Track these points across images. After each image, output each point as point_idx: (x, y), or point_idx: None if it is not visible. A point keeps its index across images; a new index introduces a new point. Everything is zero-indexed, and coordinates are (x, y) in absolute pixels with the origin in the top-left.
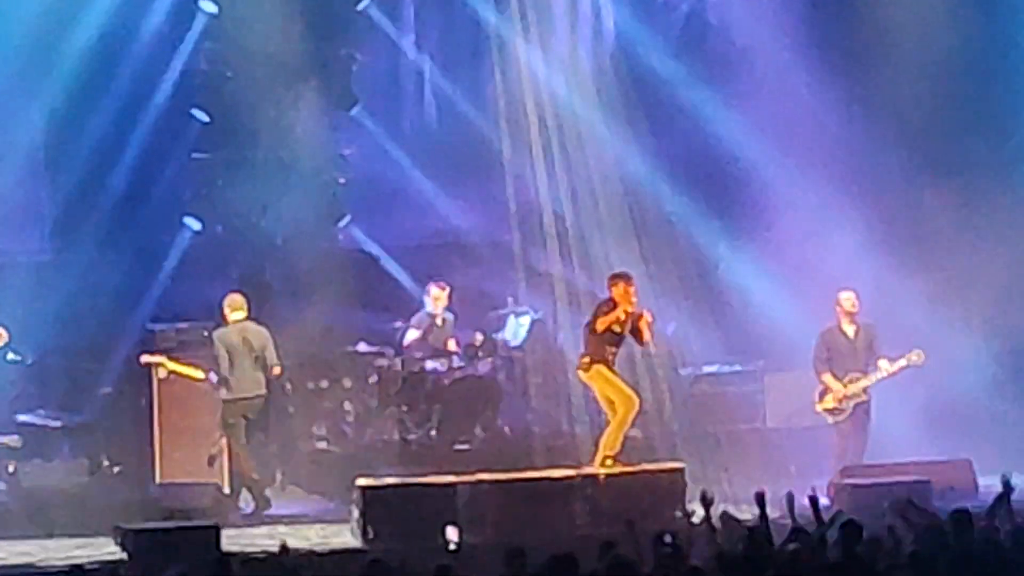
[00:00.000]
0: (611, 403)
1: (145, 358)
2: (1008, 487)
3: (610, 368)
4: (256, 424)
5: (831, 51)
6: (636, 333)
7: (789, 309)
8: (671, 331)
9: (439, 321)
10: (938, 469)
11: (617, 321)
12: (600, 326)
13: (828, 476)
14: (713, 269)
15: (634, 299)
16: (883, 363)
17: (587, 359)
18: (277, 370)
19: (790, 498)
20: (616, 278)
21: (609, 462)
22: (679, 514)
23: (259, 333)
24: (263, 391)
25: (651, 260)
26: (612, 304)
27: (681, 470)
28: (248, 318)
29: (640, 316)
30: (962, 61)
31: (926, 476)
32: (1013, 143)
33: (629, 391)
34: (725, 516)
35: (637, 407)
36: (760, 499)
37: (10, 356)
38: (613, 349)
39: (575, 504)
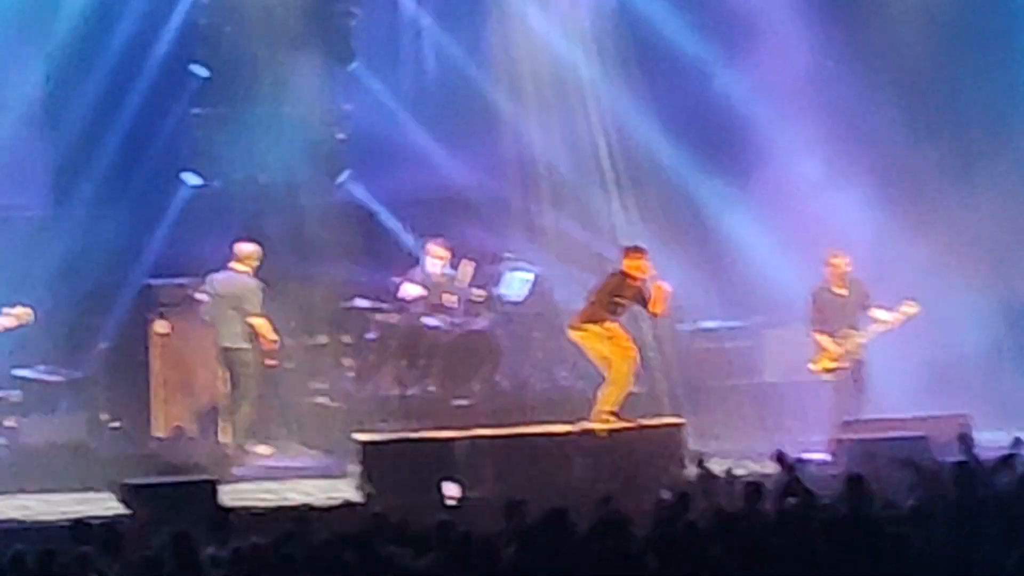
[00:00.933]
0: (605, 359)
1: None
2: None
3: (603, 327)
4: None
5: (832, 6)
6: (646, 302)
7: (788, 265)
8: (670, 287)
9: (437, 278)
10: (936, 424)
11: (626, 292)
12: (628, 298)
13: (827, 432)
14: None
15: (651, 272)
16: (878, 313)
17: (579, 319)
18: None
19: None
20: (633, 252)
21: (608, 417)
22: (676, 470)
23: (241, 285)
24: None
25: (650, 216)
26: (623, 276)
27: (680, 425)
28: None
29: (658, 287)
30: (962, 17)
31: (924, 431)
32: (1013, 100)
33: (626, 345)
34: (725, 474)
35: (636, 361)
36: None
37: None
38: (612, 316)
39: (574, 459)
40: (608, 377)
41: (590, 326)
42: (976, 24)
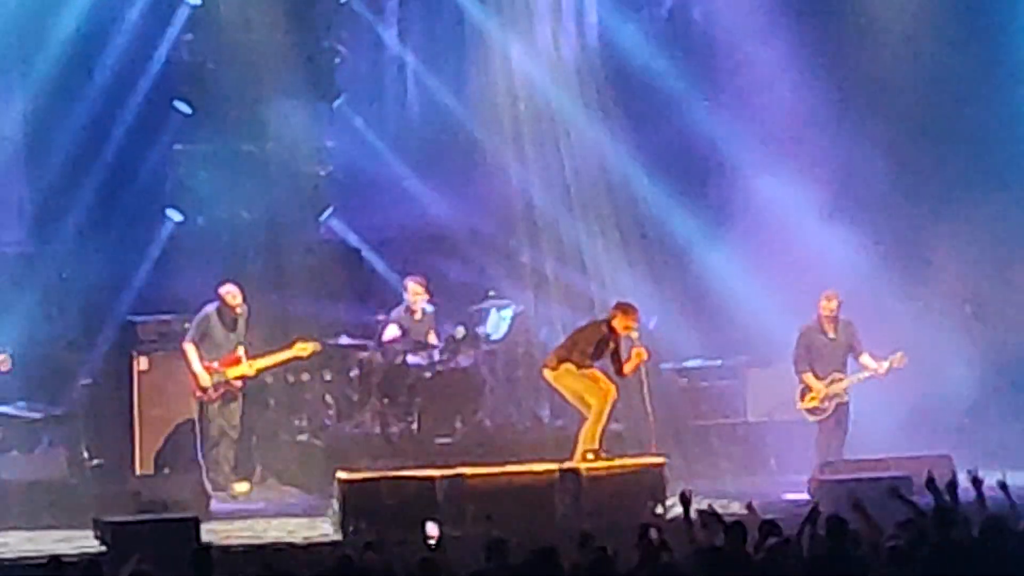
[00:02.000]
0: (582, 399)
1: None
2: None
3: (579, 367)
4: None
5: (815, 46)
6: (621, 362)
7: (770, 305)
8: (653, 325)
9: (418, 315)
10: (918, 465)
11: (606, 347)
12: (627, 371)
13: (808, 471)
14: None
15: (634, 334)
16: (867, 360)
17: (554, 359)
18: None
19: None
20: (627, 309)
21: (591, 456)
22: (659, 509)
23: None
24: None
25: (633, 254)
26: (609, 331)
27: (662, 464)
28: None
29: (638, 352)
30: (954, 55)
31: (906, 471)
32: (1004, 146)
33: (603, 383)
34: (706, 512)
35: (613, 398)
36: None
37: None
38: (587, 363)
39: (556, 498)
40: (589, 416)
41: (566, 366)
42: (968, 64)
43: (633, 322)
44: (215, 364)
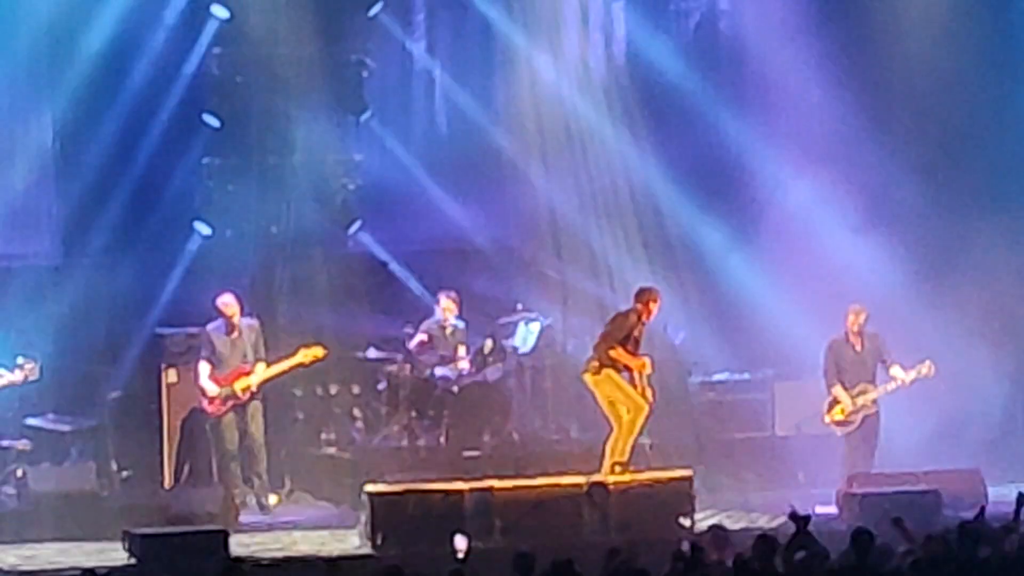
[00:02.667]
0: (614, 409)
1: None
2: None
3: (619, 373)
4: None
5: (843, 59)
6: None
7: (798, 318)
8: (680, 339)
9: (448, 329)
10: (947, 478)
11: (638, 333)
12: (624, 345)
13: (836, 484)
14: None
15: (652, 317)
16: (896, 371)
17: (597, 363)
18: None
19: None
20: (651, 293)
21: (619, 469)
22: (686, 522)
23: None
24: None
25: (661, 268)
26: (637, 316)
27: (689, 478)
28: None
29: (642, 363)
30: (982, 69)
31: (935, 485)
32: None
33: (639, 396)
34: (716, 529)
35: (646, 412)
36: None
37: (19, 360)
38: (624, 353)
39: (583, 511)
40: (617, 427)
41: (609, 372)
42: (1001, 79)
43: (655, 300)
44: (222, 378)
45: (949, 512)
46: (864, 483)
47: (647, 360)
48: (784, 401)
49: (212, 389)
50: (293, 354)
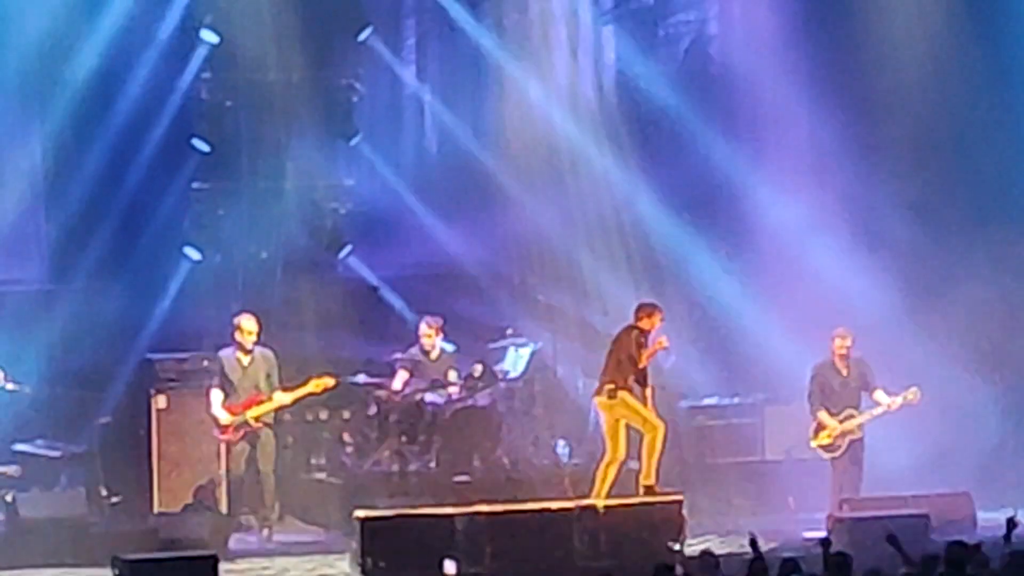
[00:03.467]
0: (615, 436)
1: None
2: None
3: (634, 396)
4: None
5: (834, 83)
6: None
7: (788, 342)
8: (670, 363)
9: (433, 354)
10: (937, 503)
11: (642, 348)
12: (644, 361)
13: (826, 509)
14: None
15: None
16: (880, 395)
17: (612, 386)
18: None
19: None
20: (652, 309)
21: (642, 491)
22: (676, 547)
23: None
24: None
25: (650, 292)
26: (640, 332)
27: (679, 502)
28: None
29: (659, 342)
30: (974, 93)
31: (925, 509)
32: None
33: (654, 418)
34: (706, 555)
35: (663, 432)
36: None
37: (9, 386)
38: (635, 375)
39: (574, 536)
40: (612, 452)
41: (624, 395)
42: (993, 102)
43: (659, 315)
44: (235, 407)
45: (938, 536)
46: (854, 507)
47: (663, 339)
48: (774, 425)
49: (224, 418)
50: (304, 383)
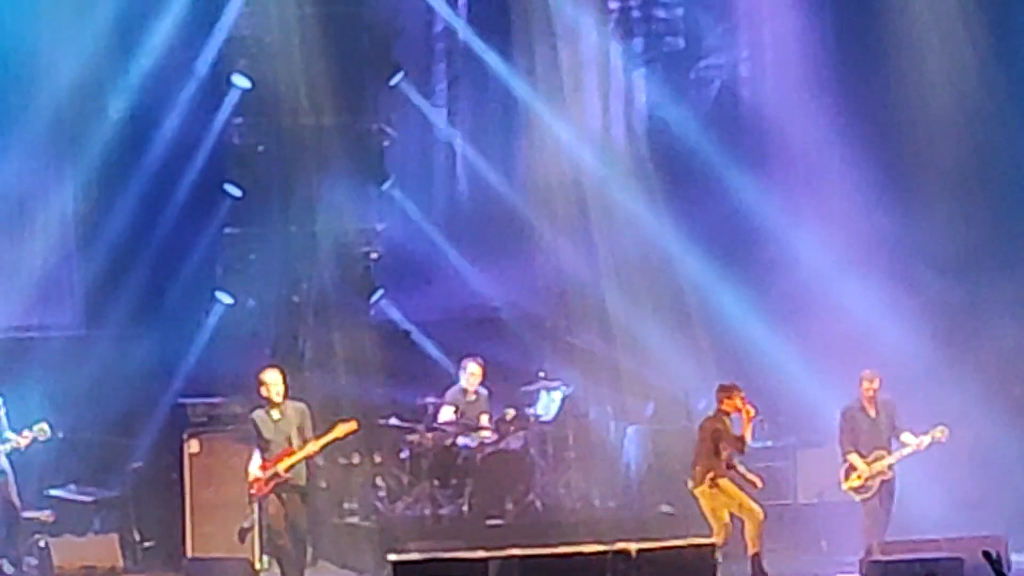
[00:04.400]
0: (720, 520)
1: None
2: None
3: (732, 481)
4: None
5: (864, 124)
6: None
7: (821, 385)
8: (703, 406)
9: (471, 396)
10: (970, 545)
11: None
12: (749, 436)
13: (859, 551)
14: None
15: (746, 410)
16: (907, 437)
17: (712, 475)
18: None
19: None
20: (730, 390)
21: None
22: None
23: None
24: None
25: (682, 335)
26: (722, 416)
27: (713, 545)
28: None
29: (747, 412)
30: (1001, 134)
31: (958, 552)
32: None
33: (752, 503)
34: None
35: (763, 518)
36: None
37: (41, 436)
38: (721, 461)
39: None
40: (723, 533)
41: (724, 482)
42: (1016, 144)
43: (737, 394)
44: (268, 463)
45: None
46: (887, 551)
47: (750, 408)
48: (806, 468)
49: (256, 474)
50: (330, 430)
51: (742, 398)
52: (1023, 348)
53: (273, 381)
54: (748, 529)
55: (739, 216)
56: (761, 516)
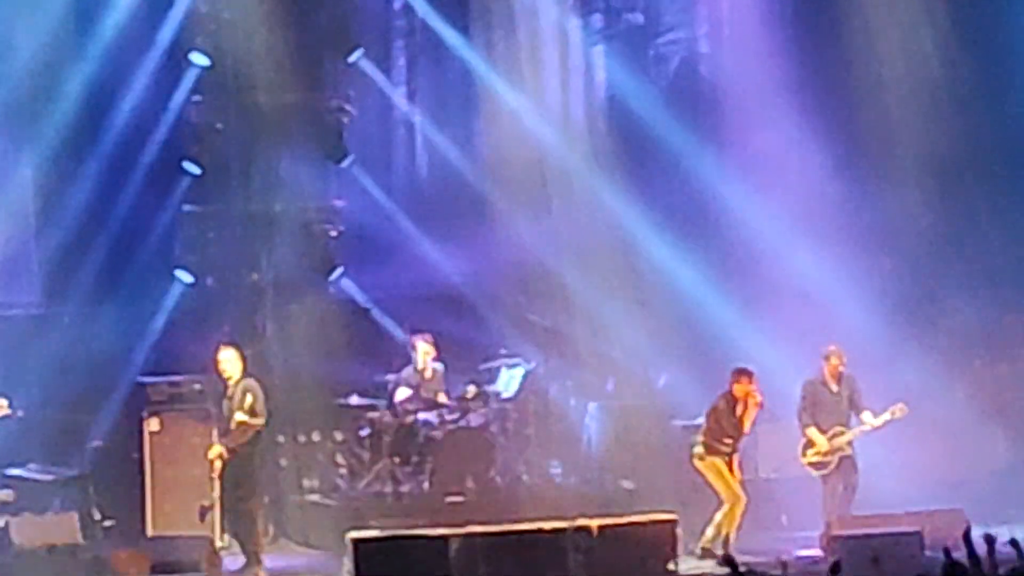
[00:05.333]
0: (729, 487)
1: None
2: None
3: (726, 464)
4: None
5: (822, 100)
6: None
7: (781, 361)
8: (663, 382)
9: (428, 373)
10: (930, 519)
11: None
12: (746, 425)
13: (819, 527)
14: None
15: (756, 397)
16: (867, 416)
17: (702, 448)
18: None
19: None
20: (740, 375)
21: (702, 553)
22: (671, 566)
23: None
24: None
25: (641, 311)
26: (734, 399)
27: (673, 521)
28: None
29: (755, 402)
30: (958, 108)
31: (918, 526)
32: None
33: (738, 488)
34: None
35: (743, 506)
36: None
37: (1, 412)
38: (730, 442)
39: (568, 555)
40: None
41: (714, 460)
42: (973, 116)
43: (747, 380)
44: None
45: (931, 553)
46: (847, 525)
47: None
48: (767, 444)
49: (212, 452)
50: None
51: (749, 387)
52: (984, 319)
53: (223, 359)
54: (723, 512)
55: (699, 192)
56: (742, 504)
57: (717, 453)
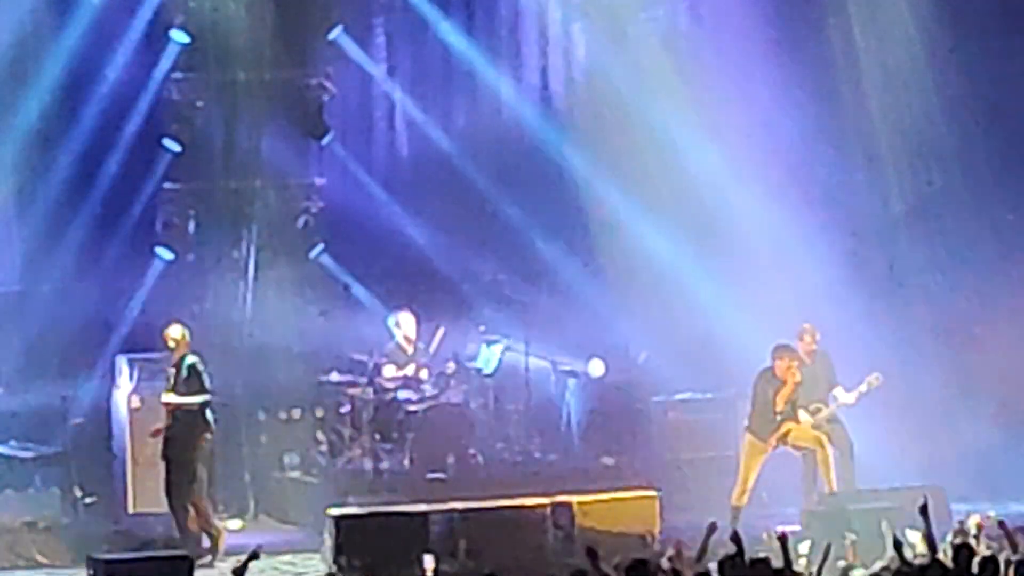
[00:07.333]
0: (744, 476)
1: None
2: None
3: (757, 449)
4: None
5: (803, 77)
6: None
7: (762, 337)
8: (644, 359)
9: (409, 350)
10: (910, 496)
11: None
12: (780, 404)
13: (799, 503)
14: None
15: (796, 376)
16: (839, 391)
17: (748, 431)
18: None
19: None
20: (782, 352)
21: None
22: (651, 543)
23: None
24: None
25: (624, 288)
26: (774, 376)
27: (654, 498)
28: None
29: (793, 377)
30: (933, 88)
31: (898, 503)
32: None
33: (751, 479)
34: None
35: (742, 505)
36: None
37: None
38: (775, 418)
39: (548, 532)
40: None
41: (748, 437)
42: (947, 94)
43: (793, 361)
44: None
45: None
46: (826, 502)
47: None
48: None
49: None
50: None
51: (789, 365)
52: (962, 296)
53: (168, 335)
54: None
55: (680, 169)
56: (741, 502)
57: (751, 432)
